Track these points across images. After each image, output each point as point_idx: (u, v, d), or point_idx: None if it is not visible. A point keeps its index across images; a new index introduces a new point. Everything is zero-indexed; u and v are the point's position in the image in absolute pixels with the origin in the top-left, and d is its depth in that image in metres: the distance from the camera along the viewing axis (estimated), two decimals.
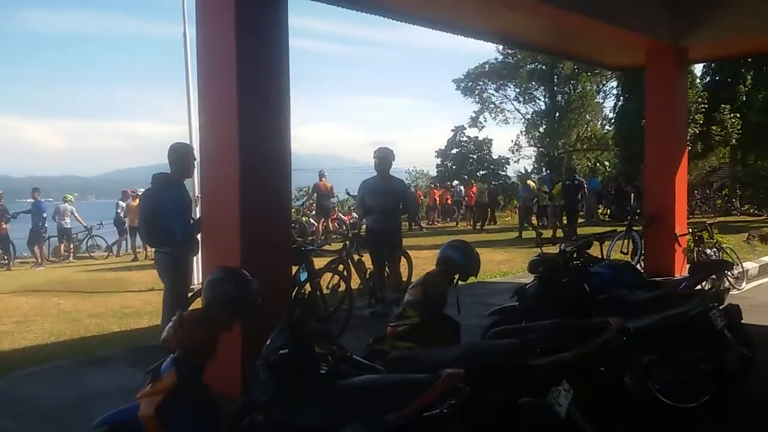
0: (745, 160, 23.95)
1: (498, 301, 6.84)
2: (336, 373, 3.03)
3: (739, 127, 22.24)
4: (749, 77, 23.92)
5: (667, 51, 9.34)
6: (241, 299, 3.16)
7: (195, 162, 5.88)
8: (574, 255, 5.97)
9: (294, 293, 6.49)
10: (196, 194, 8.90)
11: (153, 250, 6.26)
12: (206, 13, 5.04)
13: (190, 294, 5.83)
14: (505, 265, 12.19)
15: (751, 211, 22.70)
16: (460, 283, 4.54)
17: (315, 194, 17.81)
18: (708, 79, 24.89)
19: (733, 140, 22.78)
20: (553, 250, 6.45)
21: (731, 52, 12.53)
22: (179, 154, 5.67)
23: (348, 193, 18.82)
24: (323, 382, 2.99)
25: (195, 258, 6.86)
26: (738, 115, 22.52)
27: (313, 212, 18.70)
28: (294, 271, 6.34)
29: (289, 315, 3.42)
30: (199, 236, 5.65)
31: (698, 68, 25.23)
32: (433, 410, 2.69)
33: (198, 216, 6.57)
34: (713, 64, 24.10)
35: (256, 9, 4.80)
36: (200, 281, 6.56)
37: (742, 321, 5.06)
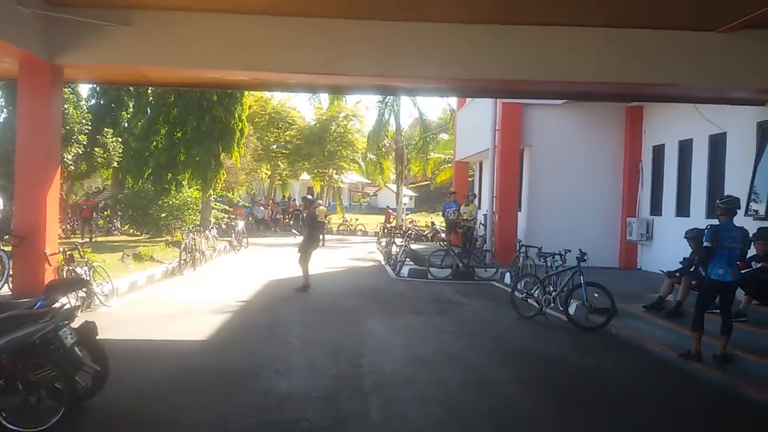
0: (125, 182, 25.29)
1: None
2: None
3: (120, 151, 23.47)
4: (131, 105, 25.57)
5: (41, 66, 9.11)
6: None
7: None
8: None
9: None
10: None
11: None
12: None
13: None
14: None
15: (131, 231, 24.17)
16: None
17: None
18: (93, 101, 25.51)
19: (115, 163, 23.90)
20: None
21: (110, 78, 13.20)
22: None
23: None
24: None
25: None
26: (120, 140, 23.76)
27: None
28: None
29: None
30: None
31: (85, 90, 25.64)
32: None
33: None
34: (98, 88, 24.82)
35: None
36: None
37: (98, 336, 5.33)
